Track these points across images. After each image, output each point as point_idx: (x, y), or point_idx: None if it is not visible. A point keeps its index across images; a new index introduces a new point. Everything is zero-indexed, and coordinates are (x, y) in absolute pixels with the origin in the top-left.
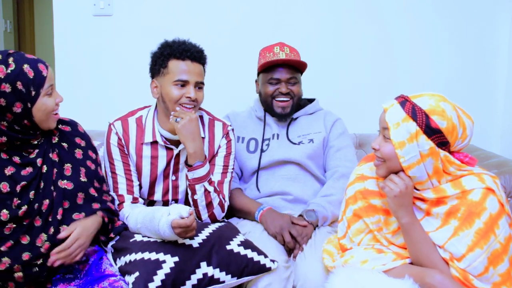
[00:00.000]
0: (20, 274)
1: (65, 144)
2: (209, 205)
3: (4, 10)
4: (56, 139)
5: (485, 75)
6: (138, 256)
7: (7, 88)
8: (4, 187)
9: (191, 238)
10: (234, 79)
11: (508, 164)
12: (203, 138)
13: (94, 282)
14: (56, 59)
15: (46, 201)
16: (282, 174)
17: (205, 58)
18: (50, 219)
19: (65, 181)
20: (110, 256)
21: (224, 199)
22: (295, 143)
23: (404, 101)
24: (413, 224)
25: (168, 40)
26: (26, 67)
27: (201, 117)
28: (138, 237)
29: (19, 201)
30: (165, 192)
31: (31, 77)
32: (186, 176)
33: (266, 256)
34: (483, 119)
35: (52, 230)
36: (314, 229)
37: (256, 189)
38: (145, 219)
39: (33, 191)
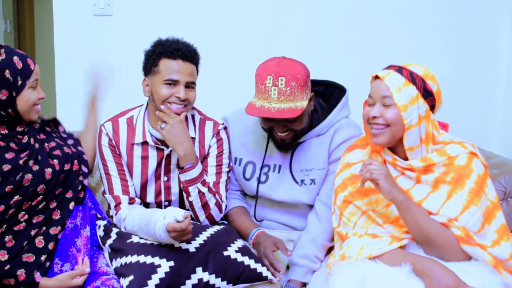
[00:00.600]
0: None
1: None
2: (205, 206)
3: (4, 10)
4: (38, 125)
5: (485, 75)
6: (134, 259)
7: None
8: (6, 167)
9: (188, 242)
10: (234, 78)
11: (508, 164)
12: (194, 138)
13: (88, 280)
14: (56, 59)
15: (49, 170)
16: (285, 208)
17: (198, 58)
18: (57, 193)
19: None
20: (107, 255)
21: (221, 199)
22: (297, 182)
23: (399, 68)
24: (408, 200)
25: (161, 39)
26: (15, 58)
27: (192, 116)
28: (135, 238)
29: (22, 174)
30: (158, 193)
31: (19, 68)
32: (179, 178)
33: (263, 265)
34: (483, 119)
35: (54, 203)
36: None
37: (253, 217)
38: (141, 222)
39: (32, 161)
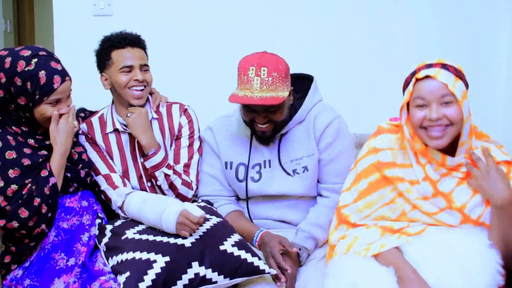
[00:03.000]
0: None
1: None
2: (171, 186)
3: (4, 10)
4: None
5: (485, 75)
6: (130, 255)
7: (18, 81)
8: (25, 161)
9: (184, 237)
10: (234, 77)
11: None
12: (158, 118)
13: (90, 279)
14: None
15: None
16: (279, 203)
17: (143, 42)
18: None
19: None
20: (103, 254)
21: (189, 177)
22: (289, 174)
23: (443, 65)
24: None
25: (106, 35)
26: (42, 73)
27: (157, 106)
28: (129, 235)
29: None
30: (139, 177)
31: (41, 84)
32: (144, 166)
33: (260, 258)
34: (483, 118)
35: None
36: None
37: (248, 216)
38: (155, 198)
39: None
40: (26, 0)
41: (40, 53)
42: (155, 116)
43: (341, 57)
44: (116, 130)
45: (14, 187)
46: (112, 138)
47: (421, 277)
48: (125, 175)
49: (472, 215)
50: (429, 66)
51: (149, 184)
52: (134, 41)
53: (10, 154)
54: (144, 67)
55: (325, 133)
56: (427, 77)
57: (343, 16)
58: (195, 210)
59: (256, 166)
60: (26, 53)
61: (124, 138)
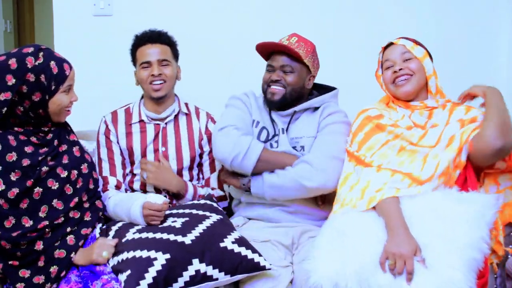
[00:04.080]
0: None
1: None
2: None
3: (4, 10)
4: (69, 128)
5: (485, 75)
6: (130, 254)
7: (31, 77)
8: (25, 161)
9: (184, 235)
10: (234, 77)
11: None
12: (188, 114)
13: (92, 277)
14: None
15: (74, 171)
16: (280, 208)
17: (166, 38)
18: (78, 187)
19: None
20: None
21: (219, 191)
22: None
23: (405, 37)
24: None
25: (137, 34)
26: (52, 63)
27: (186, 103)
28: (129, 236)
29: (39, 167)
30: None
31: (55, 73)
32: (164, 154)
33: (260, 255)
34: None
35: (86, 197)
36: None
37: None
38: (123, 198)
39: (50, 160)
40: (26, 0)
41: (42, 47)
42: (185, 111)
43: (341, 57)
44: (141, 121)
45: (15, 190)
46: (136, 127)
47: (410, 234)
48: (142, 157)
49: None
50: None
51: (168, 200)
52: (154, 37)
53: (11, 157)
54: (164, 62)
55: (327, 118)
56: (390, 44)
57: (343, 16)
58: (157, 199)
59: (276, 136)
60: (29, 49)
61: (149, 128)
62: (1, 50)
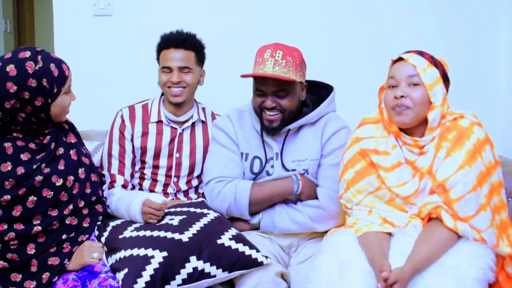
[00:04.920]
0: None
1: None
2: None
3: (4, 10)
4: (67, 126)
5: (485, 75)
6: (127, 253)
7: (33, 83)
8: (20, 170)
9: (181, 232)
10: (235, 77)
11: (508, 164)
12: (204, 122)
13: (90, 276)
14: None
15: (70, 177)
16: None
17: (192, 43)
18: (74, 192)
19: (84, 157)
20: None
21: None
22: (287, 170)
23: (420, 52)
24: (422, 262)
25: (164, 33)
26: (52, 65)
27: (203, 108)
28: (127, 234)
29: (33, 176)
30: (169, 168)
31: (56, 76)
32: (177, 161)
33: (258, 251)
34: (483, 119)
35: (82, 203)
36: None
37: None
38: (125, 195)
39: (46, 167)
40: (26, 0)
41: (38, 49)
42: (203, 118)
43: (341, 57)
44: (159, 122)
45: (7, 197)
46: (152, 128)
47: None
48: (155, 159)
49: (452, 193)
50: (408, 52)
51: (175, 179)
52: (178, 42)
53: (5, 167)
54: (185, 69)
55: (331, 139)
56: (400, 59)
57: (343, 16)
58: (157, 198)
59: (270, 160)
60: (27, 54)
61: (166, 130)
62: (1, 50)
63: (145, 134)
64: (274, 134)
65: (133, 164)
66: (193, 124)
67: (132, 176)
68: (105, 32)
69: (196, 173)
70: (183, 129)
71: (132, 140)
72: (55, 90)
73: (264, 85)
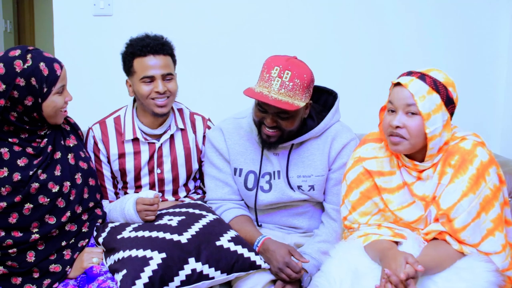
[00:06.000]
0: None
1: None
2: None
3: (4, 10)
4: (68, 128)
5: (485, 75)
6: (126, 254)
7: (21, 82)
8: (16, 176)
9: (180, 234)
10: (234, 79)
11: (508, 164)
12: (183, 129)
13: (88, 280)
14: None
15: (67, 183)
16: (287, 211)
17: (169, 47)
18: (71, 198)
19: (82, 161)
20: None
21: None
22: (292, 188)
23: (422, 75)
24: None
25: (131, 38)
26: (42, 64)
27: (180, 110)
28: (125, 234)
29: (29, 183)
30: (152, 186)
31: (45, 75)
32: (159, 177)
33: (257, 253)
34: (483, 119)
35: (80, 209)
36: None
37: (256, 222)
38: (117, 201)
39: (42, 173)
40: (26, 0)
41: (29, 48)
42: (181, 126)
43: (341, 57)
44: (135, 139)
45: (3, 204)
46: (129, 147)
47: (399, 252)
48: (136, 181)
49: (457, 223)
50: (409, 73)
51: (160, 194)
52: (156, 48)
53: (2, 173)
54: (168, 76)
55: (341, 154)
56: (399, 83)
57: (343, 16)
58: (148, 194)
59: (266, 175)
60: (16, 52)
61: (144, 148)
62: (1, 50)
63: (121, 156)
64: (270, 148)
65: (115, 185)
66: (171, 136)
67: (116, 194)
68: (105, 32)
69: (181, 182)
70: (162, 143)
71: (109, 162)
72: (45, 89)
73: (266, 105)
